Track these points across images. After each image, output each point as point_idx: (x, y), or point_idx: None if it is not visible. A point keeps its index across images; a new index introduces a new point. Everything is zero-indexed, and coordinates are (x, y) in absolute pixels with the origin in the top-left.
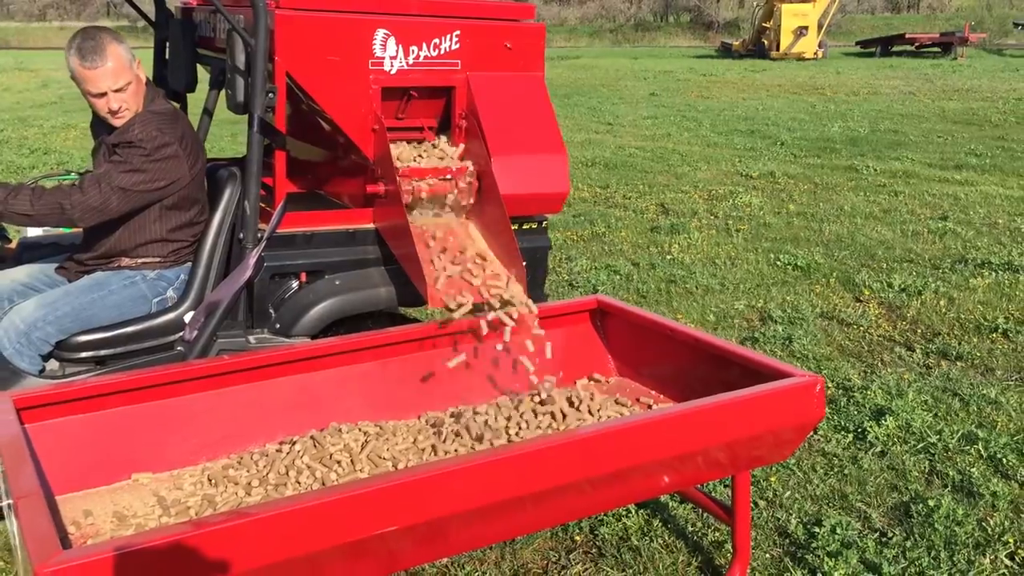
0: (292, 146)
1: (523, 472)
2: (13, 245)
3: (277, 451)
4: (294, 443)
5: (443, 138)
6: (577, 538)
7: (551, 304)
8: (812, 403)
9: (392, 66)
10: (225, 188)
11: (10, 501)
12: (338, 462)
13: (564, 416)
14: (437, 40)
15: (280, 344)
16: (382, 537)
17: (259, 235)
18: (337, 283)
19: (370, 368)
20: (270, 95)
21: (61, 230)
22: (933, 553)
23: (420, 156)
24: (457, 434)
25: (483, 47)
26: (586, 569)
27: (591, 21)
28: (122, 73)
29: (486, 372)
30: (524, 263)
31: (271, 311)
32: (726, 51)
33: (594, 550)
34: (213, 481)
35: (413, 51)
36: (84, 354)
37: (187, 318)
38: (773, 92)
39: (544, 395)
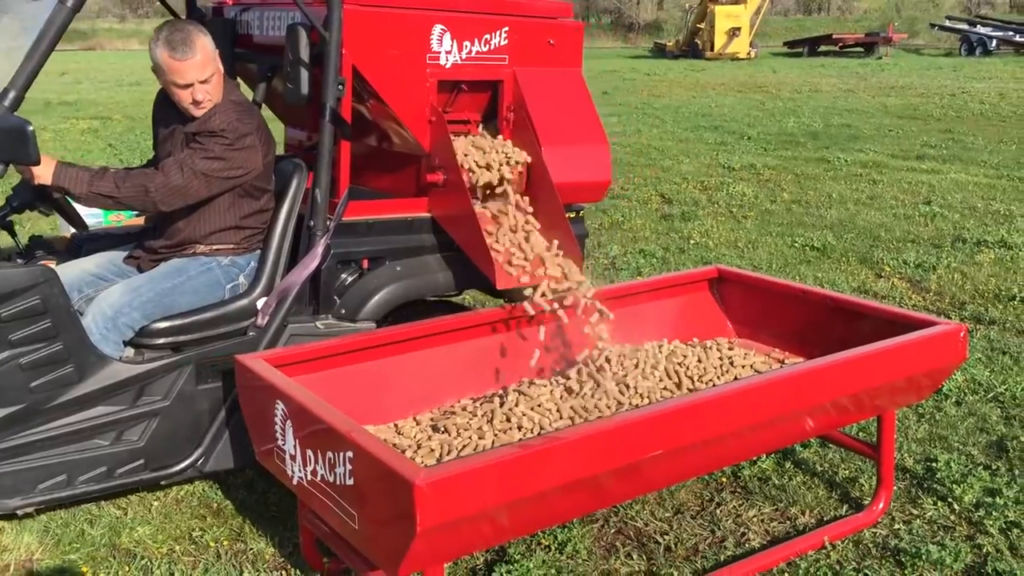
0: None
1: (710, 417)
2: (68, 236)
3: (488, 402)
4: (506, 394)
5: (492, 133)
6: (723, 480)
7: (672, 275)
8: (957, 347)
9: (447, 60)
10: (292, 178)
11: (279, 444)
12: (548, 410)
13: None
14: (488, 36)
15: (348, 329)
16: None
17: (327, 223)
18: (398, 269)
19: (526, 333)
20: (340, 86)
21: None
22: None
23: (475, 147)
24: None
25: (529, 43)
26: (741, 504)
27: None
28: (208, 65)
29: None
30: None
31: (335, 297)
32: (660, 51)
33: (739, 489)
34: (442, 428)
35: (466, 46)
36: (162, 340)
37: (259, 304)
38: (719, 90)
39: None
